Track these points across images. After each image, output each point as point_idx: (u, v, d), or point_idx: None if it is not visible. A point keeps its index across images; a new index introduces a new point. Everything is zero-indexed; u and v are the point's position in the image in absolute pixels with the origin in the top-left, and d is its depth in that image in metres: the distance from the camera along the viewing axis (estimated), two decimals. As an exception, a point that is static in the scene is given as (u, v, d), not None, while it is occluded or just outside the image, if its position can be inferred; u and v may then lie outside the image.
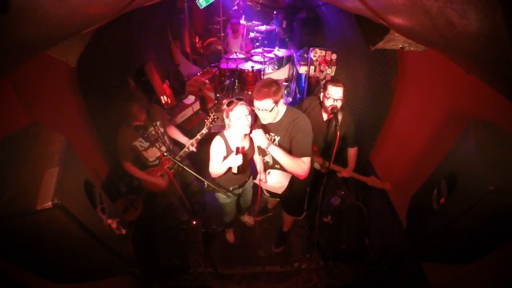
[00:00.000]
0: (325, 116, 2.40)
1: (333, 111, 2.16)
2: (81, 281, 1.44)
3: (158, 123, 2.50)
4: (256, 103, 1.82)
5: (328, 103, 2.23)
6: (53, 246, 1.13)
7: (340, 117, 2.16)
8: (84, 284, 1.45)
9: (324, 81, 4.30)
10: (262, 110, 1.83)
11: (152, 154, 2.54)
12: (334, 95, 2.19)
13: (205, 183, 2.17)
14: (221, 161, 2.04)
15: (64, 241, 1.12)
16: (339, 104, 2.21)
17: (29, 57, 1.06)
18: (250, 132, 1.93)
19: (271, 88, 1.78)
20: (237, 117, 1.88)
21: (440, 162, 1.51)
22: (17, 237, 1.03)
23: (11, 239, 1.04)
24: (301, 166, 1.86)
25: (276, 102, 1.81)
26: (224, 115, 1.96)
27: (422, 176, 1.67)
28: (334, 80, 2.26)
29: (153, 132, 2.49)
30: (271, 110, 1.82)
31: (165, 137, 2.60)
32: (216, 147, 2.02)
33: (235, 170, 2.00)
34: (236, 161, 1.93)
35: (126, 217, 2.62)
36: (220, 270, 2.75)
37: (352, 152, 2.56)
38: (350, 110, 3.41)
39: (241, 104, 1.89)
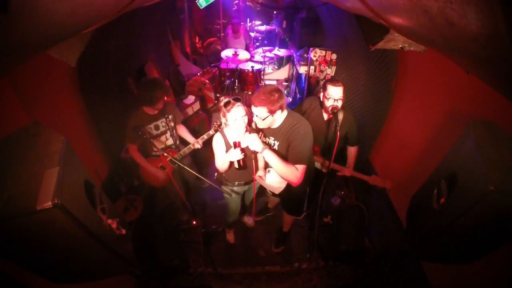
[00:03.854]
0: (326, 116, 2.40)
1: (334, 111, 2.16)
2: (81, 281, 1.44)
3: (170, 117, 2.51)
4: (252, 108, 1.82)
5: (329, 103, 2.22)
6: (53, 246, 1.13)
7: (340, 116, 2.16)
8: (84, 284, 1.45)
9: (323, 81, 4.30)
10: (256, 115, 1.83)
11: (159, 144, 2.54)
12: (334, 95, 2.19)
13: (206, 182, 2.17)
14: (223, 155, 2.10)
15: (64, 241, 1.12)
16: (339, 104, 2.21)
17: (29, 57, 1.06)
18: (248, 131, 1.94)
19: (271, 96, 1.74)
20: (233, 118, 1.91)
21: (440, 162, 1.51)
22: (17, 237, 1.03)
23: (11, 239, 1.04)
24: (294, 172, 1.82)
25: (272, 112, 1.78)
26: (221, 114, 1.98)
27: (422, 176, 1.67)
28: (333, 80, 2.25)
29: (163, 124, 2.51)
30: (263, 119, 1.80)
31: (174, 131, 2.60)
32: (216, 144, 2.10)
33: (236, 165, 2.03)
34: (235, 155, 1.97)
35: (126, 217, 2.62)
36: (220, 270, 2.75)
37: (352, 150, 2.55)
38: (351, 109, 3.41)
39: (238, 105, 1.90)
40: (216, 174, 2.34)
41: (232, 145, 2.02)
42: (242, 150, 2.00)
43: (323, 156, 2.52)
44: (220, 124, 2.30)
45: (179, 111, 2.76)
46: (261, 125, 1.88)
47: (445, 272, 1.90)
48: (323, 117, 2.41)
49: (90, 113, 2.70)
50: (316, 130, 2.39)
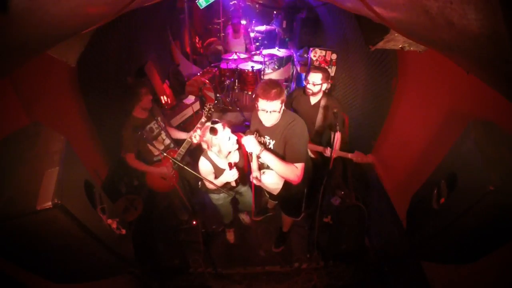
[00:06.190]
0: (312, 101, 2.56)
1: (334, 111, 2.25)
2: (81, 281, 1.44)
3: (159, 118, 2.58)
4: (265, 104, 1.77)
5: (308, 86, 2.46)
6: (53, 246, 1.13)
7: (323, 102, 2.43)
8: (84, 284, 1.45)
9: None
10: (270, 111, 1.80)
11: (159, 146, 2.57)
12: (310, 79, 2.44)
13: (199, 182, 2.21)
14: (212, 178, 2.13)
15: (64, 241, 1.12)
16: (315, 88, 2.43)
17: (30, 57, 1.06)
18: (240, 142, 1.96)
19: (278, 88, 1.77)
20: (227, 138, 1.93)
21: (440, 162, 1.51)
22: (17, 237, 1.03)
23: (11, 239, 1.04)
24: (294, 171, 1.82)
25: (283, 102, 1.82)
26: (209, 144, 1.97)
27: (422, 176, 1.67)
28: (315, 67, 2.51)
29: (156, 126, 2.54)
30: (279, 110, 1.82)
31: (167, 132, 2.65)
32: (204, 168, 2.11)
33: (233, 184, 2.10)
34: (232, 176, 2.01)
35: (126, 217, 2.62)
36: (220, 270, 2.75)
37: (336, 136, 2.57)
38: (351, 108, 3.41)
39: (225, 127, 1.95)
40: (199, 183, 2.35)
41: (222, 166, 2.08)
42: (238, 168, 2.06)
43: (312, 141, 2.58)
44: (209, 110, 2.39)
45: (162, 114, 2.78)
46: (273, 120, 1.87)
47: (445, 272, 1.90)
48: (310, 102, 2.58)
49: (90, 113, 2.69)
50: (304, 115, 2.46)
